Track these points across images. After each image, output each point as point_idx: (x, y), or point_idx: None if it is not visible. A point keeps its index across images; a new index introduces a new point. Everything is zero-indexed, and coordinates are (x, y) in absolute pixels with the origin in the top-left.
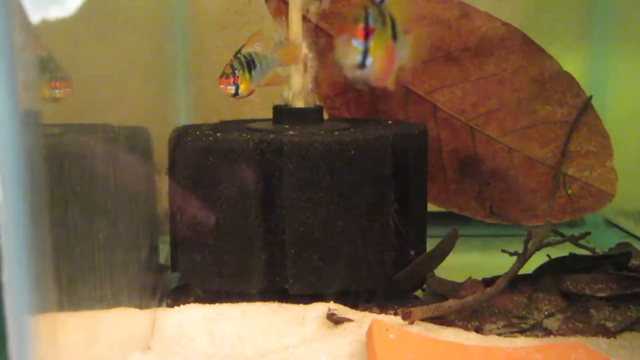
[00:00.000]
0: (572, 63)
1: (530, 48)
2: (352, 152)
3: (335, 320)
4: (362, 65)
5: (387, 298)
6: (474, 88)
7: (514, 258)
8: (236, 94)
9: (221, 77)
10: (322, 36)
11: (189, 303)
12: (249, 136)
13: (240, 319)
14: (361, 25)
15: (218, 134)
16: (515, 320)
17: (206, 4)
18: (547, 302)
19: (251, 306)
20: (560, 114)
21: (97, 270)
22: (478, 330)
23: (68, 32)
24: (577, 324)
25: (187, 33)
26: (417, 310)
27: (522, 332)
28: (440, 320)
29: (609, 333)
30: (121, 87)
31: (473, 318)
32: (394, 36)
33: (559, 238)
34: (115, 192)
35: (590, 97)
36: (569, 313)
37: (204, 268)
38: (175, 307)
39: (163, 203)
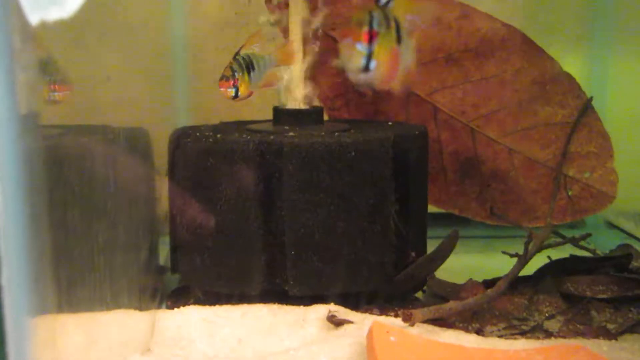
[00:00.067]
0: (572, 64)
1: (531, 49)
2: (353, 154)
3: (335, 322)
4: (367, 68)
5: (387, 300)
6: (474, 89)
7: (515, 259)
8: (236, 96)
9: (221, 79)
10: (323, 37)
11: (188, 305)
12: (249, 137)
13: (240, 321)
14: (366, 29)
15: (218, 135)
16: (515, 322)
17: (206, 5)
18: (547, 303)
19: (251, 308)
20: (560, 115)
21: (96, 272)
22: (479, 332)
23: (67, 34)
24: (577, 325)
25: (186, 34)
26: (418, 312)
27: (523, 334)
28: (440, 322)
29: (610, 335)
30: (121, 88)
31: (474, 320)
32: (398, 39)
33: (559, 239)
34: (115, 193)
35: (591, 99)
36: (569, 315)
37: (204, 270)
38: (175, 309)
39: (163, 204)
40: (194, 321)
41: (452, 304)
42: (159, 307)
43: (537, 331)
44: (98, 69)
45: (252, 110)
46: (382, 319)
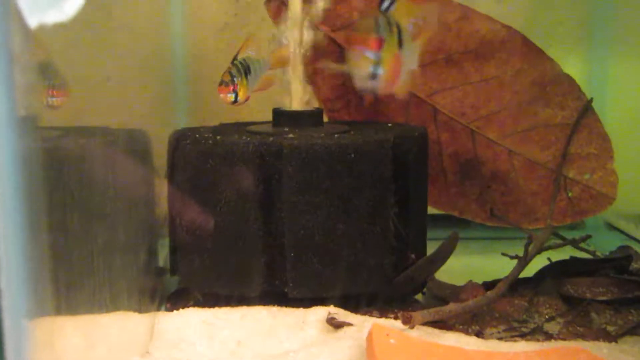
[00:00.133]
0: (572, 65)
1: (531, 50)
2: (352, 155)
3: (335, 324)
4: (374, 75)
5: (387, 302)
6: (474, 91)
7: (515, 261)
8: (235, 101)
9: (220, 84)
10: (322, 38)
11: (188, 307)
12: (248, 139)
13: (240, 323)
14: (374, 36)
15: (217, 137)
16: (515, 324)
17: (205, 6)
18: (547, 305)
19: (251, 310)
20: (560, 116)
21: (95, 274)
22: (479, 334)
23: (66, 35)
24: (578, 328)
25: (185, 35)
26: (418, 315)
27: (523, 336)
28: (440, 324)
29: (610, 337)
30: (120, 90)
31: (473, 322)
32: (400, 44)
33: (559, 241)
34: (114, 195)
35: (591, 100)
36: (569, 317)
37: (203, 271)
38: (175, 311)
39: (162, 206)
40: (193, 323)
41: (452, 306)
42: (158, 309)
43: (537, 333)
44: (97, 70)
45: (251, 111)
46: (382, 321)
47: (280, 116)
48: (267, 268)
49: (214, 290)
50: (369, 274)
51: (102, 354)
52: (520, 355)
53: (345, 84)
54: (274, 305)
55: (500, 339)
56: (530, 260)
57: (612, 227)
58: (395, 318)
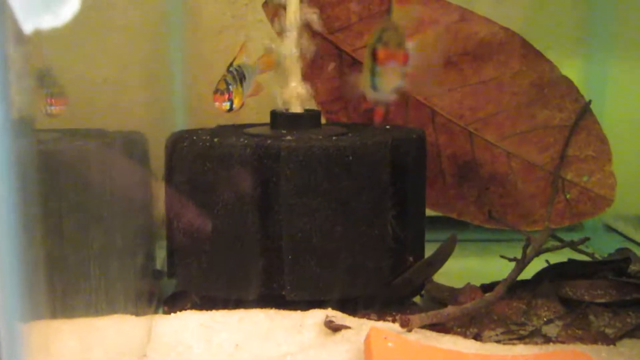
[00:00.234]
0: (570, 67)
1: (529, 52)
2: (350, 158)
3: (333, 327)
4: (399, 88)
5: (385, 304)
6: (472, 92)
7: (513, 262)
8: (231, 109)
9: (215, 93)
10: (317, 38)
11: (185, 310)
12: (246, 141)
13: (238, 326)
14: (402, 51)
15: (215, 139)
16: (514, 327)
17: (203, 8)
18: (546, 308)
19: (248, 313)
20: (559, 118)
21: (92, 277)
22: (477, 337)
23: (63, 36)
24: (576, 330)
25: (183, 37)
26: (416, 318)
27: (521, 338)
28: (438, 327)
29: (608, 340)
30: (117, 92)
31: (471, 325)
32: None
33: (558, 243)
34: (111, 197)
35: (589, 102)
36: (568, 319)
37: (201, 274)
38: (172, 314)
39: (159, 208)
40: (190, 326)
41: (450, 309)
42: (155, 312)
43: (536, 336)
44: (94, 71)
45: (249, 113)
46: (380, 324)
47: (278, 118)
48: (265, 271)
49: (212, 293)
50: (366, 277)
51: (98, 357)
52: (518, 359)
53: (342, 86)
54: (271, 308)
55: (498, 341)
56: (529, 262)
57: (610, 229)
58: (393, 321)
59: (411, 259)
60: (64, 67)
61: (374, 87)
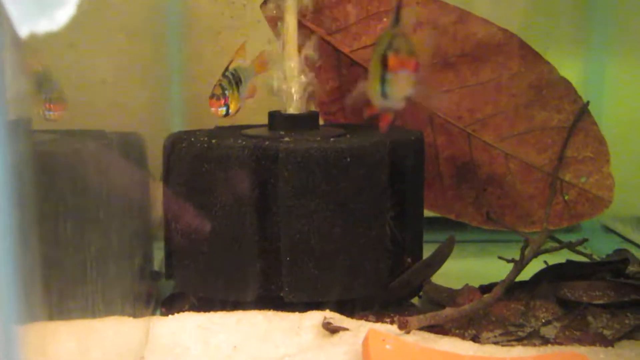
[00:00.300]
0: (569, 68)
1: (528, 54)
2: (348, 159)
3: (331, 329)
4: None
5: (383, 306)
6: (470, 94)
7: (511, 264)
8: (227, 114)
9: (211, 98)
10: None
11: (183, 311)
12: (244, 143)
13: (236, 328)
14: (413, 58)
15: (213, 141)
16: (512, 329)
17: (201, 9)
18: (544, 309)
19: (246, 314)
20: (557, 119)
21: (89, 279)
22: (475, 338)
23: (61, 36)
24: (574, 332)
25: (182, 37)
26: (414, 320)
27: (519, 340)
28: (436, 328)
29: (606, 342)
30: (115, 93)
31: (470, 326)
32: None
33: (556, 245)
34: (108, 199)
35: (588, 103)
36: (566, 321)
37: (198, 275)
38: (170, 316)
39: (157, 210)
40: (188, 328)
41: (448, 311)
42: (153, 313)
43: (534, 337)
44: (92, 72)
45: (247, 114)
46: (378, 325)
47: (276, 119)
48: (263, 272)
49: (210, 294)
50: (365, 278)
51: (96, 359)
52: None
53: (340, 87)
54: (269, 309)
55: (496, 343)
56: (527, 263)
57: (608, 230)
58: (392, 322)
59: (409, 260)
60: (62, 67)
61: (384, 95)
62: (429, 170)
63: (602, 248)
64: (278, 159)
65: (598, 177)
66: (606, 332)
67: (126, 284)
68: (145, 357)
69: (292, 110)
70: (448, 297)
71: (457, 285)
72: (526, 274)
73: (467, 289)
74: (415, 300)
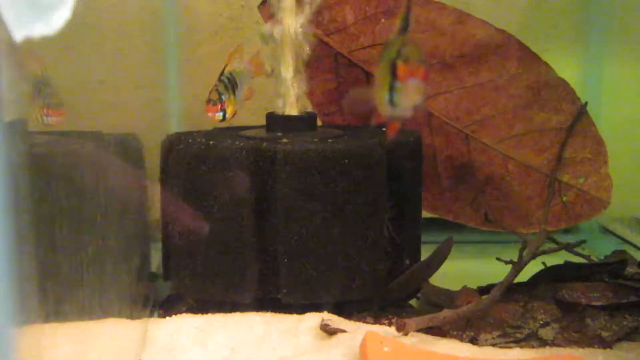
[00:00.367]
0: (567, 70)
1: (526, 55)
2: (346, 160)
3: (329, 331)
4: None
5: (381, 307)
6: (468, 95)
7: (509, 265)
8: (224, 119)
9: (208, 103)
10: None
11: (181, 313)
12: (242, 144)
13: (234, 329)
14: (423, 67)
15: (211, 142)
16: (510, 330)
17: (199, 9)
18: (542, 311)
19: (244, 316)
20: (555, 120)
21: (86, 280)
22: (473, 340)
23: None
24: (572, 333)
25: (179, 38)
26: (412, 322)
27: (517, 342)
28: (434, 330)
29: (605, 343)
30: (112, 94)
31: (468, 328)
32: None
33: (554, 246)
34: (105, 200)
35: (586, 104)
36: (564, 322)
37: (196, 277)
38: (167, 317)
39: (155, 211)
40: (186, 329)
41: (446, 313)
42: (150, 315)
43: (532, 339)
44: (89, 74)
45: (245, 115)
46: (376, 327)
47: (274, 120)
48: (261, 274)
49: (208, 296)
50: (363, 280)
51: None
52: None
53: (338, 88)
54: (267, 311)
55: (494, 345)
56: (525, 265)
57: (606, 231)
58: (389, 324)
59: (407, 261)
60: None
61: (393, 103)
62: (427, 171)
63: (600, 249)
64: (276, 161)
65: (596, 178)
66: (604, 334)
67: (124, 285)
68: (143, 359)
69: (289, 111)
70: (446, 298)
71: (455, 287)
72: (524, 275)
73: (465, 291)
74: (413, 302)
